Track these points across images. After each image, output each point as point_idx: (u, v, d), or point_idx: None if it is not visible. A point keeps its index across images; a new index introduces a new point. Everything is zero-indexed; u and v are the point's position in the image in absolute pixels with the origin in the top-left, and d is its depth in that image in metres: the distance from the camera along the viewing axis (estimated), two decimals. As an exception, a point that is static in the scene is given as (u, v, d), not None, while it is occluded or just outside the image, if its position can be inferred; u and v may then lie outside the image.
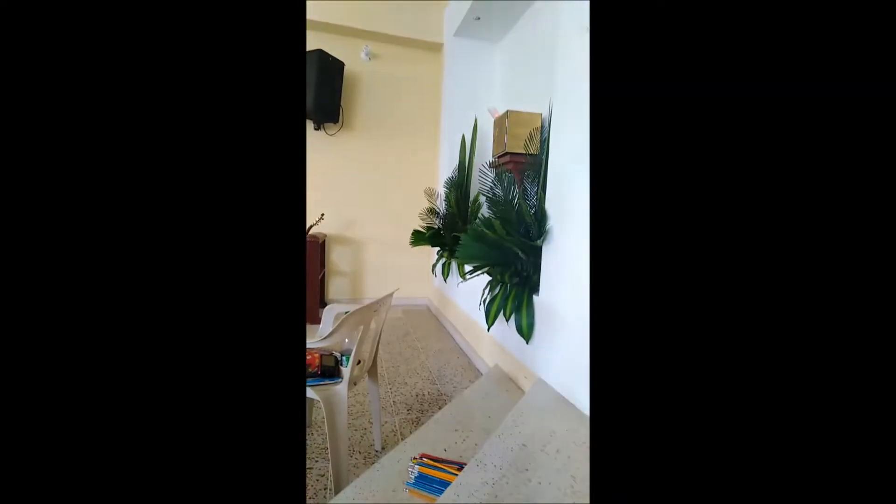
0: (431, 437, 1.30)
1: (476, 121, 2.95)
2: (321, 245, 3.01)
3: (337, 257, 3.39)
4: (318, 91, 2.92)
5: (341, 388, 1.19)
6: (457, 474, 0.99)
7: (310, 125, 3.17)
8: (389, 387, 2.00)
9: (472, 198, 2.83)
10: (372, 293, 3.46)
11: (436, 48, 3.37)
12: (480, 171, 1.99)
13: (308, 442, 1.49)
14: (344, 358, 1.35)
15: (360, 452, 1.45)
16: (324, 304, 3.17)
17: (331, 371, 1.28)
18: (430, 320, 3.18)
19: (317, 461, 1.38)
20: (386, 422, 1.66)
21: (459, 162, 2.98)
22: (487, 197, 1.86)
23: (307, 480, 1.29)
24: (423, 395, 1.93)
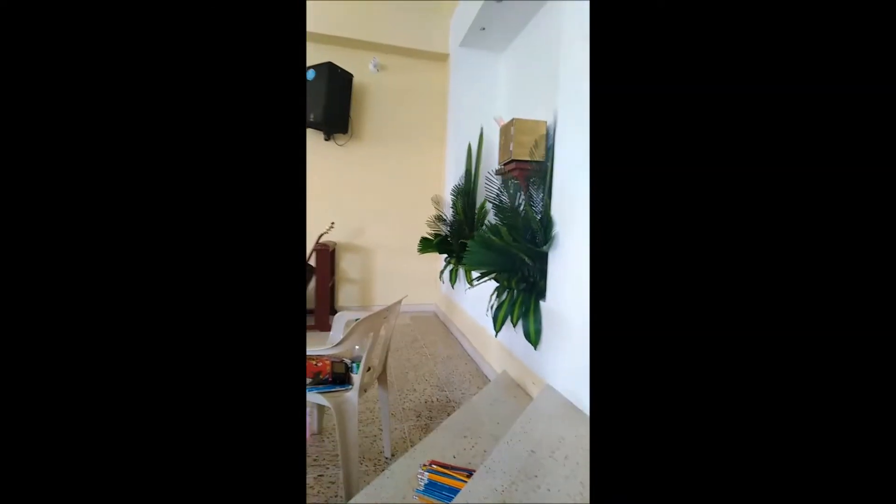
0: (440, 444, 1.31)
1: (482, 129, 2.98)
2: (331, 253, 3.06)
3: (346, 265, 3.43)
4: (328, 103, 2.98)
5: (352, 394, 1.20)
6: (466, 481, 1.00)
7: (320, 136, 3.23)
8: (398, 393, 2.01)
9: (478, 205, 2.85)
10: (381, 300, 3.48)
11: (442, 58, 3.42)
12: (487, 178, 2.02)
13: (319, 448, 1.51)
14: (354, 365, 1.38)
15: (370, 459, 1.46)
16: (334, 311, 3.20)
17: (342, 378, 1.30)
18: (438, 326, 3.19)
19: (328, 468, 1.40)
20: (395, 428, 1.67)
21: (466, 170, 3.01)
22: (494, 204, 1.88)
23: (319, 487, 1.31)
24: (432, 401, 1.94)
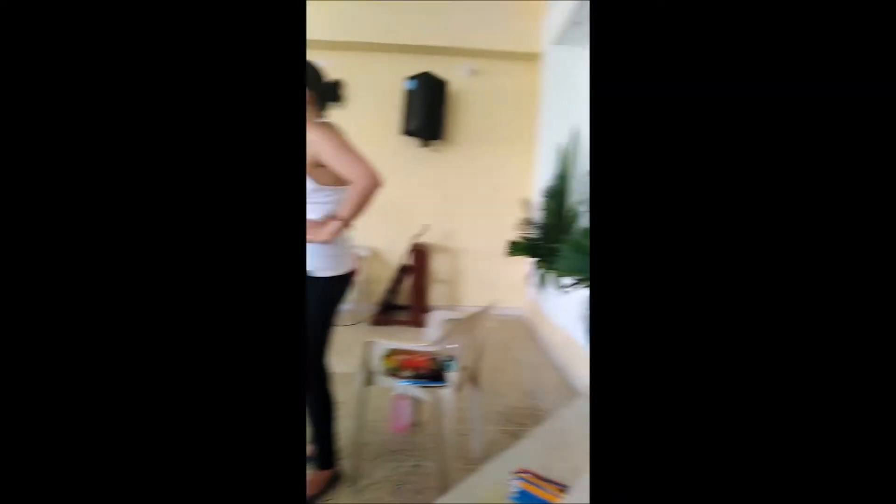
0: (530, 453, 1.30)
1: (575, 128, 2.84)
2: (425, 254, 3.23)
3: (438, 266, 3.59)
4: (425, 111, 3.15)
5: (447, 392, 1.27)
6: (559, 496, 0.98)
7: (417, 142, 3.44)
8: (487, 396, 2.04)
9: (571, 208, 2.73)
10: (470, 301, 3.57)
11: (535, 58, 3.35)
12: (580, 179, 1.93)
13: (414, 440, 1.62)
14: (449, 363, 1.45)
15: (460, 457, 1.52)
16: (428, 309, 3.38)
17: (438, 375, 1.38)
18: (526, 332, 3.15)
19: (423, 460, 1.50)
20: (484, 430, 1.71)
21: (558, 171, 2.91)
22: (588, 207, 1.79)
23: (414, 478, 1.41)
24: (520, 407, 1.93)
